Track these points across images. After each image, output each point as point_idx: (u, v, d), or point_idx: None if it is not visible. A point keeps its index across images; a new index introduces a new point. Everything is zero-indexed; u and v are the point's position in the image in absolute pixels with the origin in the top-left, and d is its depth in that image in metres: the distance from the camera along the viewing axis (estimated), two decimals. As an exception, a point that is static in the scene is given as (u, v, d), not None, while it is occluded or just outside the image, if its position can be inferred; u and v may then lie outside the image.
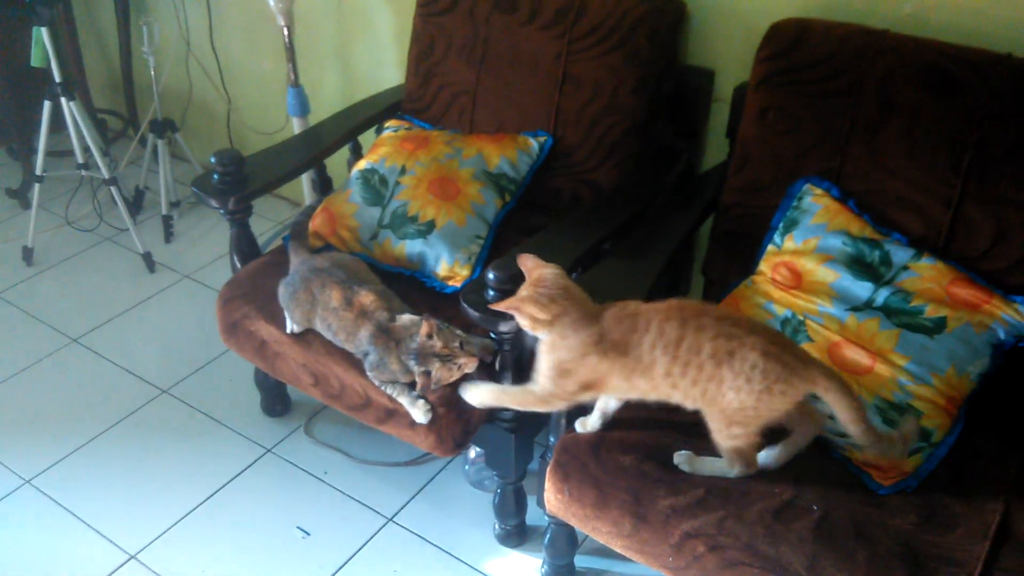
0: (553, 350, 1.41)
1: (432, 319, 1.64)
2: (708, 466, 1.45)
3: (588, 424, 1.57)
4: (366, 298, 1.73)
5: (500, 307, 1.42)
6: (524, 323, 1.41)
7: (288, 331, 1.85)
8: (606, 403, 1.54)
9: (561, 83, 2.03)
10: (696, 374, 1.34)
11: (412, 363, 1.64)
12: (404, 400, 1.69)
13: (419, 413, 1.67)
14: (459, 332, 1.67)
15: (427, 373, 1.62)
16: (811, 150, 1.75)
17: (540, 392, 1.45)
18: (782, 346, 1.35)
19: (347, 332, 1.74)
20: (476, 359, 1.64)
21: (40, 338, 2.59)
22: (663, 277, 1.54)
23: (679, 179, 2.04)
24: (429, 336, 1.62)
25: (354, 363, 1.78)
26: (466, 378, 1.65)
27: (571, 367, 1.40)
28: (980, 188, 1.60)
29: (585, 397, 1.44)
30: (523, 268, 1.47)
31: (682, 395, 1.38)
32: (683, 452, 1.47)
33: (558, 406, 1.47)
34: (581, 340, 1.38)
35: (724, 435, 1.40)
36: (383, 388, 1.72)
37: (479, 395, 1.57)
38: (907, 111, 1.65)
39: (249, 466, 2.16)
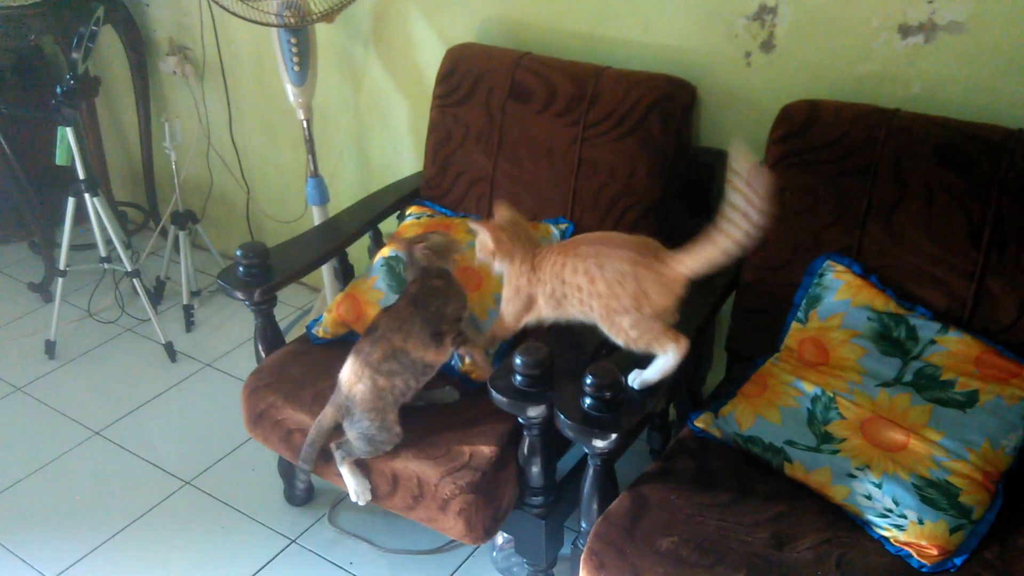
0: (510, 277, 1.71)
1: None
2: (651, 370, 1.56)
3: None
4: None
5: (476, 226, 1.71)
6: (482, 254, 1.72)
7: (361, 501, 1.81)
8: None
9: (577, 168, 2.07)
10: (577, 293, 1.57)
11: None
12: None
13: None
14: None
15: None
16: (829, 228, 1.78)
17: (502, 316, 1.74)
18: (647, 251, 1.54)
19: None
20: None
21: (63, 432, 2.59)
22: (687, 356, 1.55)
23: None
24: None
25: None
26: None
27: (518, 291, 1.69)
28: (1001, 261, 1.62)
29: (530, 318, 1.71)
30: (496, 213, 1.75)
31: (580, 313, 1.60)
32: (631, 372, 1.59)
33: (509, 328, 1.74)
34: (521, 269, 1.68)
35: (631, 338, 1.54)
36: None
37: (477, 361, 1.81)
38: (922, 188, 1.68)
39: (274, 558, 2.13)
